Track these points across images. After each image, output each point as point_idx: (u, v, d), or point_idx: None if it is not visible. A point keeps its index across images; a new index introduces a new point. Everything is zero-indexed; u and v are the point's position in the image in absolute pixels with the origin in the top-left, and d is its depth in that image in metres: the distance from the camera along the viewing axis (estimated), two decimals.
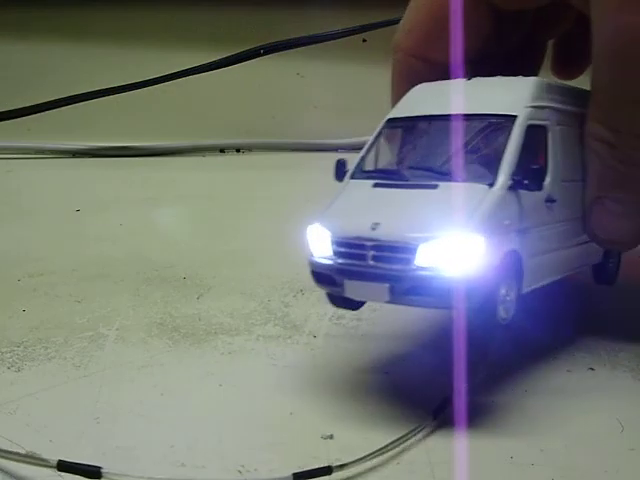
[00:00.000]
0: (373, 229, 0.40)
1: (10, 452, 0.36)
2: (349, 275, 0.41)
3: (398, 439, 0.38)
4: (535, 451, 0.38)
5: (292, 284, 0.58)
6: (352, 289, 0.41)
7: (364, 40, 1.11)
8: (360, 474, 0.36)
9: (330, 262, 0.42)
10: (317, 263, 0.43)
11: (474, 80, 0.47)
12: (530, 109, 0.44)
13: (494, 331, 0.42)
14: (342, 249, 0.41)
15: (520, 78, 0.46)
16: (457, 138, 0.44)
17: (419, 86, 0.49)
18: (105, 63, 1.09)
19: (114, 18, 1.12)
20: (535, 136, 0.44)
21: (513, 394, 0.44)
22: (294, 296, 0.57)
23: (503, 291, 0.42)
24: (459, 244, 0.38)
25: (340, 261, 0.41)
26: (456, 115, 0.44)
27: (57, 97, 1.00)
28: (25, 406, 0.41)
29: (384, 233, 0.40)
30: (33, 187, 0.89)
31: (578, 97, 0.48)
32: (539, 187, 0.42)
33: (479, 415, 0.42)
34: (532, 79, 0.46)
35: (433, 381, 0.45)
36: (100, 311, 0.54)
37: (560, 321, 0.55)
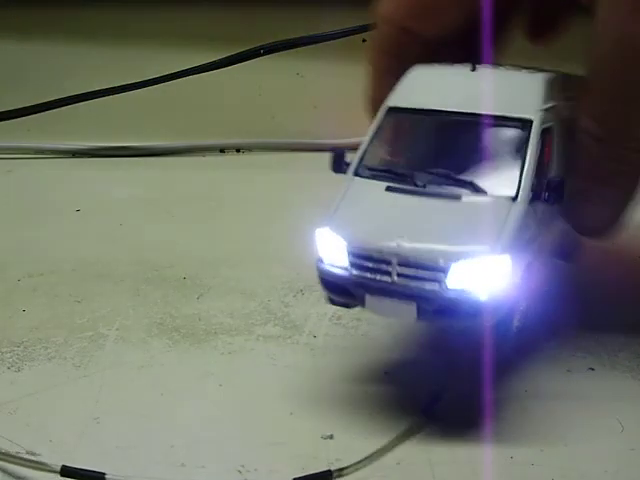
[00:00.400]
0: (398, 244, 0.38)
1: (13, 456, 0.36)
2: (371, 290, 0.39)
3: (391, 442, 0.37)
4: (535, 451, 0.38)
5: (292, 284, 0.58)
6: (374, 305, 0.39)
7: (364, 40, 1.11)
8: (360, 473, 0.36)
9: (346, 273, 0.40)
10: (329, 272, 0.41)
11: (480, 70, 0.45)
12: (543, 112, 0.43)
13: (508, 340, 0.42)
14: (361, 261, 0.39)
15: (529, 73, 0.45)
16: (473, 141, 0.42)
17: (418, 70, 0.46)
18: (105, 63, 1.09)
19: (114, 18, 1.12)
20: (544, 140, 0.43)
21: (513, 394, 0.44)
22: (294, 296, 0.57)
23: (521, 302, 0.42)
24: (490, 265, 0.37)
25: (358, 273, 0.39)
26: (470, 114, 0.42)
27: (57, 97, 1.00)
28: (25, 406, 0.41)
29: (412, 249, 0.38)
30: (33, 187, 0.89)
31: (568, 87, 0.46)
32: (560, 201, 0.41)
33: (479, 415, 0.42)
34: (542, 76, 0.44)
35: (433, 381, 0.45)
36: (100, 311, 0.54)
37: (560, 321, 0.55)
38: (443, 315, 0.38)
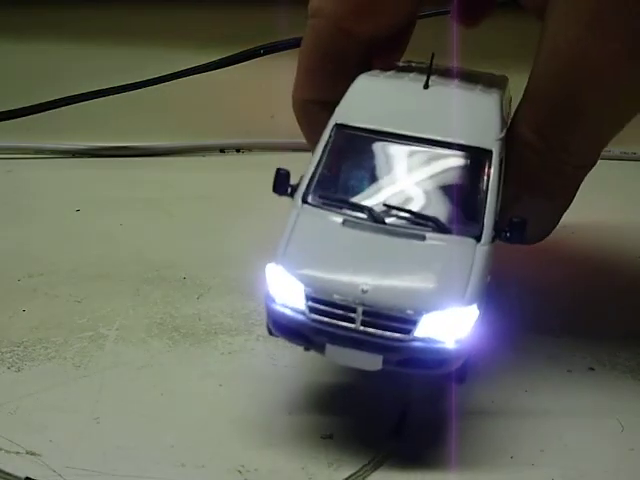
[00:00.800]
0: (364, 291, 0.35)
1: None
2: (332, 339, 0.36)
3: (363, 467, 0.37)
4: (535, 451, 0.38)
5: None
6: (335, 354, 0.36)
7: None
8: (360, 474, 0.36)
9: (302, 318, 0.36)
10: (282, 314, 0.37)
11: (433, 89, 0.41)
12: (500, 142, 0.40)
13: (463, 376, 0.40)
14: (322, 307, 0.36)
15: (484, 93, 0.42)
16: (431, 170, 0.40)
17: (365, 80, 0.43)
18: (105, 63, 1.09)
19: (114, 18, 1.12)
20: (501, 171, 0.41)
21: (513, 394, 0.44)
22: None
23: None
24: (459, 316, 0.36)
25: (318, 319, 0.36)
26: (427, 140, 0.39)
27: (57, 97, 1.00)
28: (25, 406, 0.41)
29: (380, 298, 0.35)
30: (33, 187, 0.89)
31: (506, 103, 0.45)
32: (523, 240, 0.39)
33: (479, 415, 0.42)
34: (497, 97, 0.41)
35: (434, 381, 0.45)
36: (100, 311, 0.54)
37: (560, 321, 0.55)
38: (409, 365, 0.36)
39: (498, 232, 0.38)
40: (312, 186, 0.40)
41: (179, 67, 1.00)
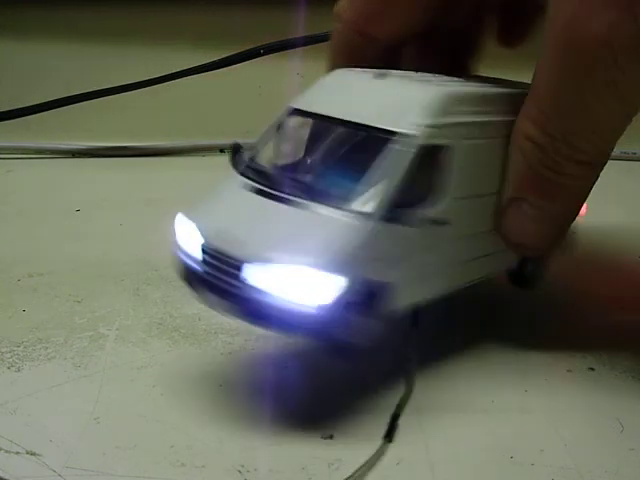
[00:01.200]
0: (217, 237, 0.39)
1: None
2: (198, 281, 0.40)
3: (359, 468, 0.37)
4: (535, 451, 0.38)
5: None
6: (202, 297, 0.40)
7: None
8: (360, 473, 0.36)
9: (190, 261, 0.41)
10: (179, 256, 0.43)
11: (384, 79, 0.44)
12: (428, 129, 0.40)
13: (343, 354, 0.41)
14: (202, 254, 0.40)
15: (430, 85, 0.43)
16: (348, 150, 0.42)
17: (336, 73, 0.46)
18: (105, 63, 1.09)
19: (114, 18, 1.12)
20: (429, 159, 0.41)
21: (513, 394, 0.44)
22: None
23: (359, 324, 0.39)
24: (313, 276, 0.36)
25: (194, 264, 0.41)
26: (350, 122, 0.41)
27: (57, 97, 1.00)
28: (25, 406, 0.41)
29: (223, 243, 0.38)
30: (33, 187, 0.89)
31: (499, 103, 0.44)
32: (412, 224, 0.40)
33: (479, 415, 0.42)
34: (440, 91, 0.42)
35: (435, 382, 0.45)
36: (100, 311, 0.54)
37: (560, 321, 0.55)
38: (252, 316, 0.38)
39: (394, 214, 0.39)
40: (249, 157, 0.44)
41: (179, 67, 1.00)
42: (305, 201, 0.39)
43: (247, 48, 0.97)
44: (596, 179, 0.43)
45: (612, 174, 0.90)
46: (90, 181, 0.92)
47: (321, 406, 0.42)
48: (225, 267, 0.38)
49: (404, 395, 0.42)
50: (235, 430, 0.39)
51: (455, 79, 0.46)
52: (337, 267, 0.37)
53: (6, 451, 0.37)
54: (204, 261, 0.40)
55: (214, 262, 0.39)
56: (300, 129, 0.45)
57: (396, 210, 0.39)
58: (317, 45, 0.99)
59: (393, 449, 0.38)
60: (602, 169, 0.43)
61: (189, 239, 0.41)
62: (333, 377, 0.45)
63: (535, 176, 0.42)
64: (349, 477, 0.36)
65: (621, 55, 0.36)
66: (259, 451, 0.38)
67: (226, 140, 1.15)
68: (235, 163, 0.45)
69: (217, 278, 0.39)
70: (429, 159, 0.41)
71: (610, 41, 0.36)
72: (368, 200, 0.38)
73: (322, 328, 0.37)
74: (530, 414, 0.42)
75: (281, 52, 0.95)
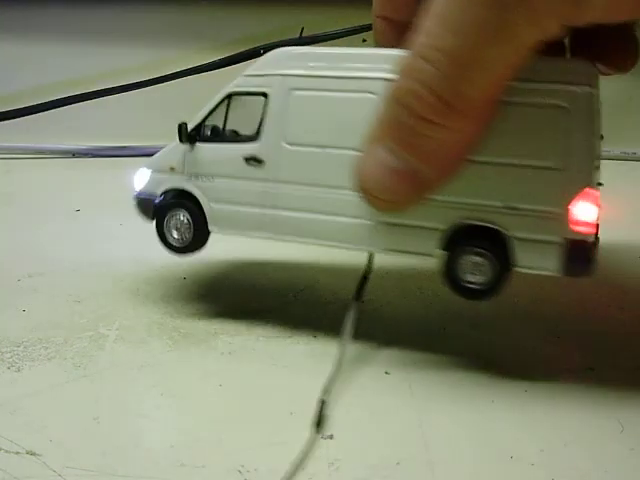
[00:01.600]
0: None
1: None
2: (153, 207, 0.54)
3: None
4: (535, 451, 0.38)
5: (292, 284, 0.58)
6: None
7: (364, 40, 1.11)
8: (360, 473, 0.36)
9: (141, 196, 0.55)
10: (139, 197, 0.55)
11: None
12: (245, 78, 0.48)
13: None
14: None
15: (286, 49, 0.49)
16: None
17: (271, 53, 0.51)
18: (105, 63, 1.09)
19: (114, 18, 1.12)
20: (241, 100, 0.49)
21: (513, 394, 0.44)
22: (294, 296, 0.57)
23: (175, 215, 0.51)
24: (142, 173, 0.53)
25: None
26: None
27: (57, 97, 1.00)
28: (25, 406, 0.41)
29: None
30: (33, 187, 0.89)
31: (349, 60, 0.44)
32: (190, 143, 0.50)
33: (479, 415, 0.42)
34: (278, 49, 0.49)
35: (435, 382, 0.45)
36: (100, 311, 0.54)
37: (560, 321, 0.55)
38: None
39: (191, 138, 0.50)
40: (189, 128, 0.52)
41: (179, 67, 1.00)
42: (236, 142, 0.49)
43: (247, 48, 0.98)
44: (467, 142, 0.39)
45: (612, 174, 0.90)
46: (90, 181, 0.92)
47: (321, 406, 0.42)
48: None
49: (329, 381, 0.43)
50: (235, 430, 0.40)
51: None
52: (150, 167, 0.52)
53: (6, 451, 0.37)
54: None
55: None
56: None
57: (211, 135, 0.50)
58: (317, 45, 0.99)
59: (393, 449, 0.38)
60: (474, 127, 0.39)
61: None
62: (332, 377, 0.45)
63: (400, 123, 0.38)
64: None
65: None
66: (259, 451, 0.38)
67: None
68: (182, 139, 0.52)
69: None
70: (241, 100, 0.49)
71: None
72: (190, 126, 0.50)
73: (141, 204, 0.53)
74: (530, 414, 0.42)
75: None
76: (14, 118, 0.99)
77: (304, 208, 0.46)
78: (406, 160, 0.39)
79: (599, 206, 0.41)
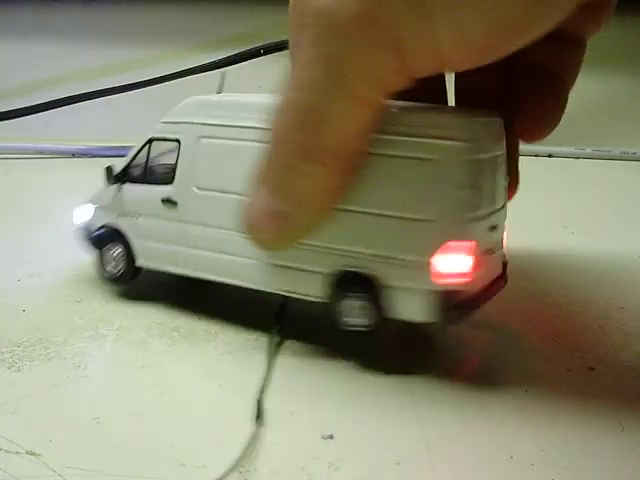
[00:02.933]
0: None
1: None
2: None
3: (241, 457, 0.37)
4: (535, 451, 0.38)
5: None
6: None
7: None
8: (360, 473, 0.36)
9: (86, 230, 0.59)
10: (80, 230, 0.59)
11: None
12: (163, 124, 0.53)
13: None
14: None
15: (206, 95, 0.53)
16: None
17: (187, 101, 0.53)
18: (105, 63, 1.09)
19: (114, 18, 1.12)
20: (158, 147, 0.53)
21: (513, 394, 0.44)
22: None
23: (111, 248, 0.55)
24: (85, 208, 0.57)
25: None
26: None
27: (57, 97, 1.00)
28: (25, 406, 0.41)
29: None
30: (33, 187, 0.89)
31: (253, 111, 0.48)
32: (119, 183, 0.55)
33: (479, 415, 0.42)
34: (192, 98, 0.52)
35: (435, 382, 0.45)
36: (100, 311, 0.54)
37: (560, 321, 0.55)
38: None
39: (117, 179, 0.55)
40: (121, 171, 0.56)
41: (179, 67, 1.00)
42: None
43: (247, 48, 0.98)
44: (332, 189, 0.41)
45: (612, 174, 0.89)
46: (90, 181, 0.92)
47: (321, 406, 0.42)
48: None
49: (265, 378, 0.44)
50: (235, 430, 0.40)
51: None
52: (95, 204, 0.56)
53: (6, 451, 0.37)
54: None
55: None
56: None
57: (133, 177, 0.54)
58: None
59: (392, 449, 0.38)
60: (344, 182, 0.41)
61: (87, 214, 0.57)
62: (334, 376, 0.45)
63: (273, 166, 0.40)
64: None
65: (339, 30, 0.35)
66: (259, 451, 0.38)
67: None
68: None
69: None
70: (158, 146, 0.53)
71: (328, 13, 0.35)
72: (118, 168, 0.55)
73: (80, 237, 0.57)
74: (530, 414, 0.42)
75: (281, 52, 0.95)
76: (14, 118, 0.99)
77: (209, 248, 0.51)
78: (279, 202, 0.41)
79: (474, 256, 0.43)
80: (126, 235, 0.55)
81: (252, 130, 0.47)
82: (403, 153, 0.42)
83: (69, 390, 0.43)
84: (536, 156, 1.07)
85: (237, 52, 0.98)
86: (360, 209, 0.43)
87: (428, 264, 0.42)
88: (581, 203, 0.87)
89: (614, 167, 1.01)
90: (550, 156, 1.06)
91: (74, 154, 1.03)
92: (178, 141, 0.51)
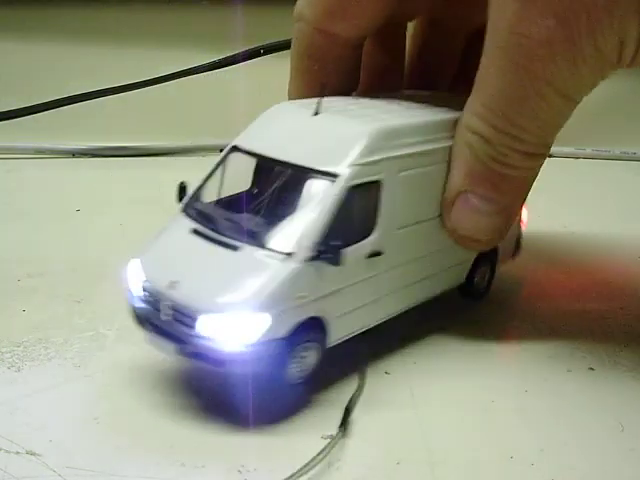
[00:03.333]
0: (170, 287, 0.40)
1: None
2: (148, 325, 0.42)
3: (306, 465, 0.37)
4: (535, 451, 0.38)
5: None
6: (149, 338, 0.42)
7: None
8: (360, 473, 0.36)
9: (139, 304, 0.43)
10: (131, 299, 0.44)
11: (320, 116, 0.45)
12: (357, 168, 0.41)
13: (283, 389, 0.42)
14: (147, 297, 0.42)
15: (365, 121, 0.43)
16: (282, 190, 0.43)
17: (276, 108, 0.47)
18: (105, 63, 1.09)
19: (114, 18, 1.12)
20: (361, 196, 0.42)
21: (513, 394, 0.44)
22: None
23: (297, 357, 0.41)
24: (241, 320, 0.38)
25: (144, 307, 0.42)
26: (284, 162, 0.43)
27: (57, 97, 1.00)
28: (25, 406, 0.41)
29: (175, 296, 0.40)
30: (33, 187, 0.89)
31: (432, 131, 0.45)
32: (337, 263, 0.40)
33: (479, 415, 0.42)
34: (373, 128, 0.43)
35: (436, 382, 0.45)
36: (100, 311, 0.54)
37: (560, 321, 0.55)
38: (197, 358, 0.40)
39: (320, 254, 0.40)
40: (193, 197, 0.46)
41: (179, 67, 1.00)
42: (240, 243, 0.41)
43: (247, 48, 0.97)
44: (539, 170, 0.44)
45: (612, 174, 0.89)
46: (90, 181, 0.92)
47: (321, 406, 0.42)
48: (180, 317, 0.40)
49: (357, 390, 0.42)
50: (235, 430, 0.40)
51: (395, 105, 0.47)
52: (263, 308, 0.38)
53: (6, 451, 0.37)
54: (157, 309, 0.41)
55: (169, 312, 0.40)
56: (243, 165, 0.46)
57: (325, 246, 0.40)
58: None
59: (393, 449, 0.38)
60: (544, 160, 0.44)
61: (140, 287, 0.43)
62: (334, 376, 0.45)
63: (483, 168, 0.43)
64: (302, 468, 0.36)
65: (559, 55, 0.38)
66: (259, 451, 0.38)
67: (226, 140, 1.15)
68: (181, 200, 0.47)
69: (170, 325, 0.40)
70: (362, 195, 0.42)
71: (550, 42, 0.38)
72: (292, 241, 0.40)
73: (249, 365, 0.39)
74: (530, 414, 0.42)
75: (281, 52, 0.95)
76: (14, 118, 0.99)
77: (404, 284, 0.47)
78: (495, 200, 0.44)
79: None
80: (324, 320, 0.42)
81: (441, 150, 0.46)
82: None
83: (69, 390, 0.43)
84: None
85: (237, 52, 0.98)
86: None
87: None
88: (581, 203, 0.87)
89: (614, 167, 1.01)
90: (550, 156, 1.06)
91: (74, 154, 1.03)
92: (379, 182, 0.43)
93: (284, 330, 0.39)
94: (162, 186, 0.89)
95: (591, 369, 0.47)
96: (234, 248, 0.41)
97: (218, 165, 0.46)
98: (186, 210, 0.45)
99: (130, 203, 0.82)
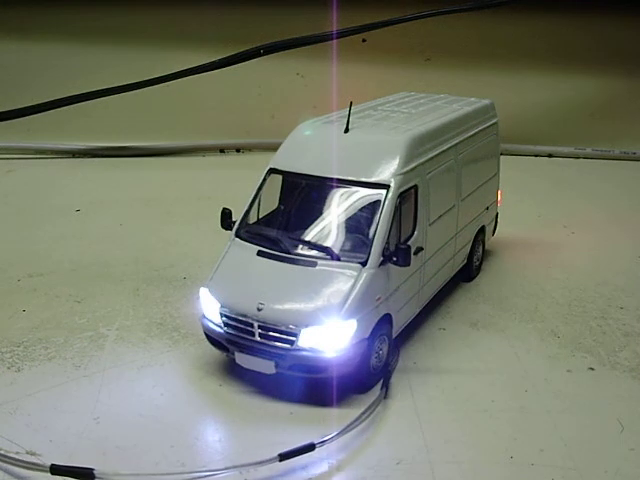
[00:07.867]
0: (259, 309, 0.43)
1: (7, 456, 0.36)
2: (239, 347, 0.44)
3: (362, 413, 0.39)
4: (535, 451, 0.38)
5: None
6: (242, 360, 0.44)
7: (364, 40, 1.11)
8: (360, 473, 0.36)
9: (221, 330, 0.45)
10: (209, 328, 0.46)
11: (352, 132, 0.48)
12: (401, 177, 0.46)
13: (367, 378, 0.46)
14: (231, 322, 0.45)
15: (394, 133, 0.47)
16: (336, 205, 0.46)
17: (302, 127, 0.50)
18: (105, 63, 1.09)
19: (114, 18, 1.12)
20: (405, 200, 0.46)
21: (513, 394, 0.44)
22: None
23: (376, 349, 0.45)
24: (335, 329, 0.43)
25: (230, 332, 0.45)
26: (333, 179, 0.46)
27: (57, 97, 1.00)
28: (25, 406, 0.41)
29: (270, 316, 0.43)
30: (33, 187, 0.89)
31: (446, 131, 0.52)
32: (408, 263, 0.45)
33: (479, 415, 0.42)
34: (403, 138, 0.47)
35: (436, 382, 0.45)
36: (100, 311, 0.54)
37: (560, 321, 0.55)
38: (296, 370, 0.43)
39: (387, 257, 0.44)
40: (243, 221, 0.49)
41: (179, 67, 1.00)
42: (315, 259, 0.45)
43: (247, 48, 0.97)
44: None
45: (612, 174, 0.89)
46: (90, 181, 0.92)
47: (321, 406, 0.42)
48: (272, 333, 0.43)
49: (394, 359, 0.47)
50: (235, 430, 0.39)
51: (409, 112, 0.52)
52: (351, 315, 0.42)
53: (6, 451, 0.37)
54: (247, 332, 0.43)
55: (252, 329, 0.43)
56: (277, 189, 0.49)
57: (387, 257, 0.44)
58: (317, 45, 0.99)
59: (393, 449, 0.38)
60: None
61: (216, 313, 0.45)
62: (333, 378, 0.45)
63: None
64: (352, 423, 0.37)
65: None
66: (259, 451, 0.38)
67: (226, 140, 1.14)
68: (230, 227, 0.49)
69: (264, 345, 0.43)
70: (406, 200, 0.46)
71: None
72: (363, 250, 0.44)
73: (344, 367, 0.42)
74: (530, 414, 0.42)
75: (281, 52, 0.95)
76: (14, 118, 0.99)
77: (432, 273, 0.52)
78: None
79: None
80: (391, 316, 0.47)
81: (453, 149, 0.50)
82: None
83: (69, 390, 0.43)
84: (536, 156, 1.07)
85: (237, 52, 0.98)
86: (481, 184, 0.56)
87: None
88: (581, 203, 0.87)
89: (614, 167, 1.01)
90: (550, 156, 1.06)
91: (74, 154, 1.03)
92: (416, 186, 0.48)
93: (368, 330, 0.44)
94: (162, 186, 0.89)
95: (591, 369, 0.47)
96: (312, 264, 0.44)
97: (260, 189, 0.49)
98: (240, 235, 0.48)
99: (130, 203, 0.82)
